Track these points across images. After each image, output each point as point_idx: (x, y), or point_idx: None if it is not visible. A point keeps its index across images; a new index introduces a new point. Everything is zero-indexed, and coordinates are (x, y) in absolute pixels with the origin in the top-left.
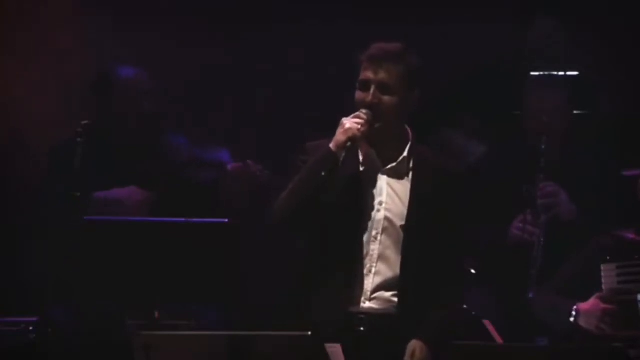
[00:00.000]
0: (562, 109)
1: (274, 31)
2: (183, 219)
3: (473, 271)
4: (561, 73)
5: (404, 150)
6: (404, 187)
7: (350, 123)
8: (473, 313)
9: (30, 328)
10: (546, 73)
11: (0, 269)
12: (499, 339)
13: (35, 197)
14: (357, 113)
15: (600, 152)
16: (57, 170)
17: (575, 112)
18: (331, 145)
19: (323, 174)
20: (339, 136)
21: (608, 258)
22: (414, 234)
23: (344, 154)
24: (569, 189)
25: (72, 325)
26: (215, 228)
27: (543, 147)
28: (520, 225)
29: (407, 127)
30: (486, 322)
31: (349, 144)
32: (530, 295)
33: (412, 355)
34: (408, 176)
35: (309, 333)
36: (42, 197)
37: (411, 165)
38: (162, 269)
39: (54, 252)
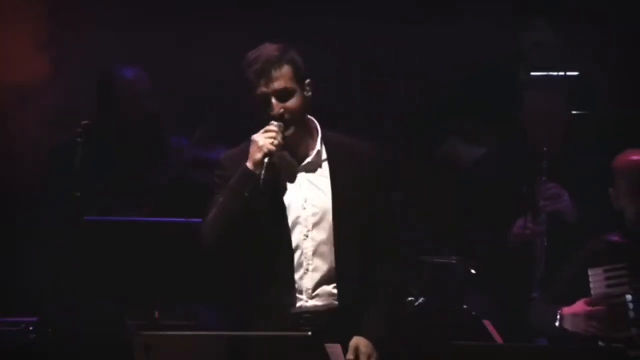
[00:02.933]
0: (561, 112)
1: (274, 31)
2: (183, 219)
3: (473, 271)
4: (561, 73)
5: (315, 143)
6: (324, 178)
7: (262, 139)
8: (473, 313)
9: (30, 328)
10: (546, 73)
11: (0, 269)
12: (499, 339)
13: (35, 197)
14: (267, 127)
15: (600, 152)
16: (57, 170)
17: (575, 112)
18: (248, 164)
19: (246, 194)
20: (255, 155)
21: (621, 263)
22: (343, 223)
23: (263, 172)
24: (569, 190)
25: (72, 325)
26: None
27: (545, 148)
28: (522, 225)
29: (310, 117)
30: (486, 322)
31: (266, 159)
32: (534, 295)
33: (356, 350)
34: (324, 167)
35: (309, 333)
36: (42, 197)
37: (325, 156)
38: (162, 269)
39: (54, 252)
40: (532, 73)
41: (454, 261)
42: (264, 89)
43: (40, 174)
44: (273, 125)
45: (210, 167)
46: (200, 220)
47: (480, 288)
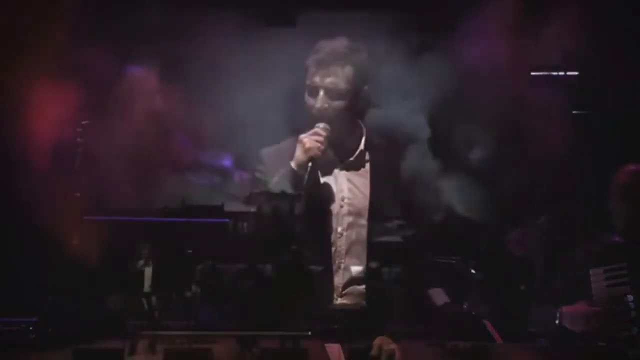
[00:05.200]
0: (561, 113)
1: (276, 31)
2: (183, 219)
3: (473, 271)
4: (561, 73)
5: (359, 144)
6: (364, 179)
7: (310, 142)
8: (473, 313)
9: (30, 328)
10: (546, 73)
11: (0, 269)
12: (499, 339)
13: (35, 197)
14: (315, 130)
15: (600, 152)
16: (57, 170)
17: (575, 112)
18: (293, 164)
19: (288, 193)
20: (301, 156)
21: (622, 263)
22: (377, 225)
23: (306, 175)
24: (570, 190)
25: (72, 326)
26: (216, 228)
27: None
28: (518, 238)
29: (359, 120)
30: (486, 322)
31: (310, 163)
32: (535, 307)
33: (379, 349)
34: (366, 168)
35: (309, 333)
36: (42, 197)
37: (367, 157)
38: (162, 269)
39: (54, 252)
40: (532, 73)
41: (453, 261)
42: (316, 80)
43: (41, 174)
44: (321, 129)
45: (210, 172)
46: (199, 220)
47: (481, 288)
